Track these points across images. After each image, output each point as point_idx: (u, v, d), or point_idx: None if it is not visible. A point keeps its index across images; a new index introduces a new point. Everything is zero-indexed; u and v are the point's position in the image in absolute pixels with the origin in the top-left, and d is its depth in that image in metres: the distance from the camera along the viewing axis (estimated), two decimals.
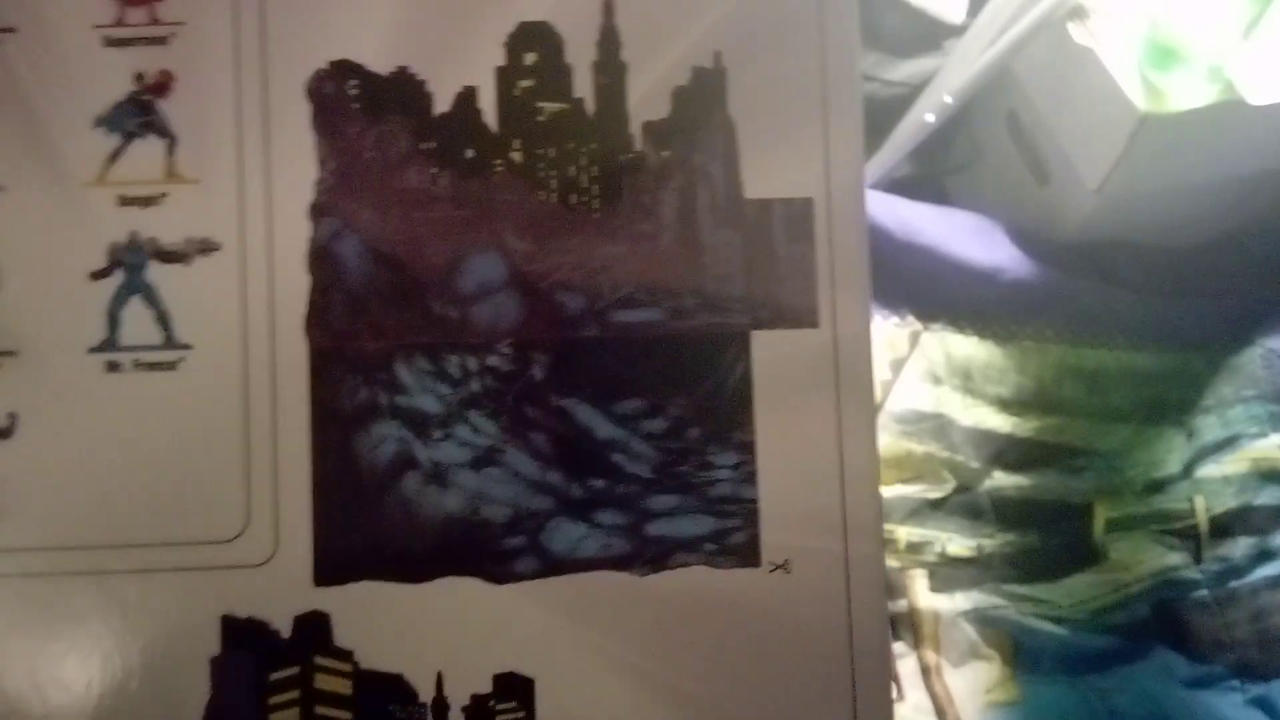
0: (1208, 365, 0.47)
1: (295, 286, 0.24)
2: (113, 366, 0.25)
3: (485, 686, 0.24)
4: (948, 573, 0.44)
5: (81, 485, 0.24)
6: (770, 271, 0.25)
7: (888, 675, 0.25)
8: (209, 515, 0.24)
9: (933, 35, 0.48)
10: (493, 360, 0.24)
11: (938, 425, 0.44)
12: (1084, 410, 0.46)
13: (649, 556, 0.25)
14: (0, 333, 0.24)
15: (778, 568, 0.25)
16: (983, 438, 0.44)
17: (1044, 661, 0.44)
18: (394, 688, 0.24)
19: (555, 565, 0.25)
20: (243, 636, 0.24)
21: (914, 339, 0.44)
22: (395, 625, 0.24)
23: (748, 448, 0.24)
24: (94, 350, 0.25)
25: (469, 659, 0.24)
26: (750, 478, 0.25)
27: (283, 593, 0.24)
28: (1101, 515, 0.45)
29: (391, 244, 0.24)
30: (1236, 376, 0.46)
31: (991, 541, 0.44)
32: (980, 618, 0.43)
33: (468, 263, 0.25)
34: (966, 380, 0.44)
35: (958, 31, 0.47)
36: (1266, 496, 0.45)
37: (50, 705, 0.24)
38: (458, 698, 0.24)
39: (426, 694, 0.24)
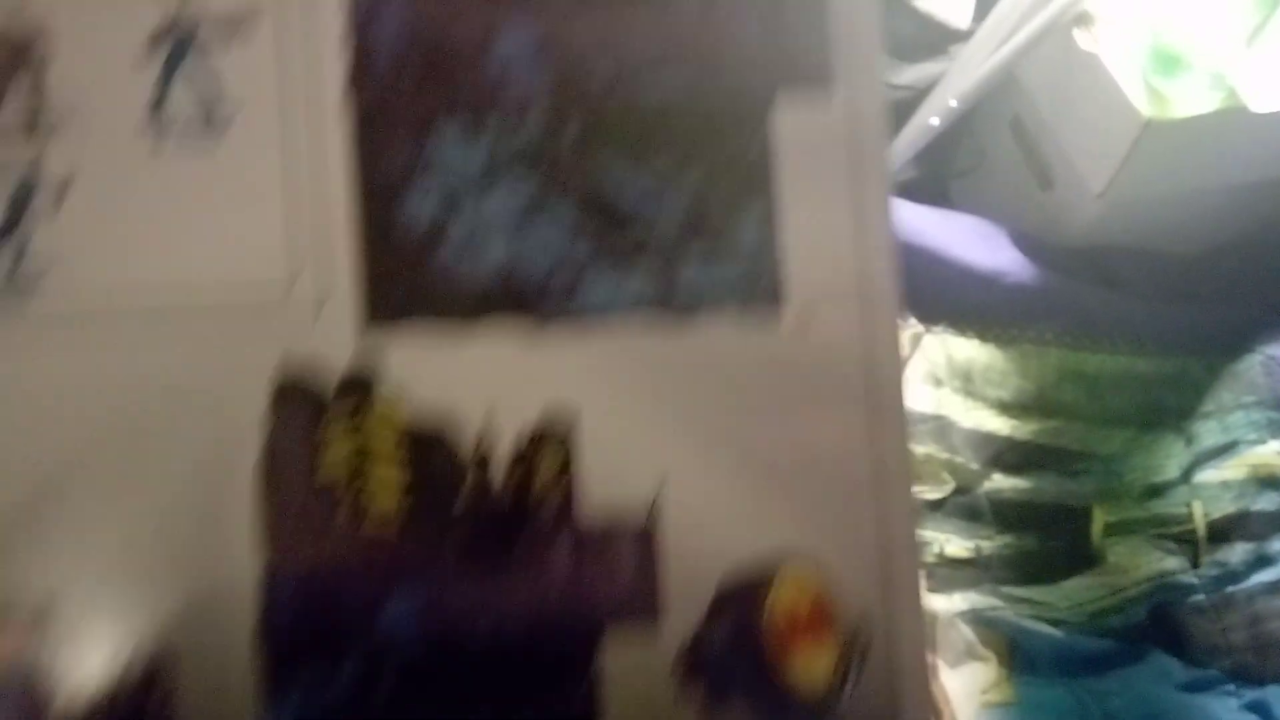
0: (1208, 371, 0.47)
1: (336, 50, 0.25)
2: (161, 132, 0.26)
3: (529, 425, 0.26)
4: (945, 573, 0.44)
5: (137, 238, 0.25)
6: (789, 28, 0.26)
7: (902, 411, 0.27)
8: (259, 264, 0.25)
9: (939, 40, 0.49)
10: (531, 119, 0.26)
11: (938, 427, 0.44)
12: (1084, 414, 0.46)
13: (680, 305, 0.26)
14: (54, 102, 0.25)
15: (798, 316, 0.26)
16: (982, 440, 0.44)
17: (1040, 663, 0.44)
18: (438, 437, 0.25)
19: (592, 314, 0.26)
20: (295, 379, 0.25)
21: (916, 341, 0.45)
22: (442, 367, 0.25)
23: (769, 203, 0.26)
24: (143, 119, 0.26)
25: (513, 400, 0.25)
26: (772, 232, 0.26)
27: (333, 338, 0.25)
28: (1100, 519, 0.45)
29: (429, 12, 0.25)
30: (1236, 383, 0.47)
31: (990, 543, 0.44)
32: (977, 619, 0.43)
33: (501, 32, 0.25)
34: (967, 382, 0.45)
35: (963, 37, 0.48)
36: (1264, 502, 0.45)
37: (110, 433, 0.25)
38: (503, 435, 0.26)
39: (473, 431, 0.25)
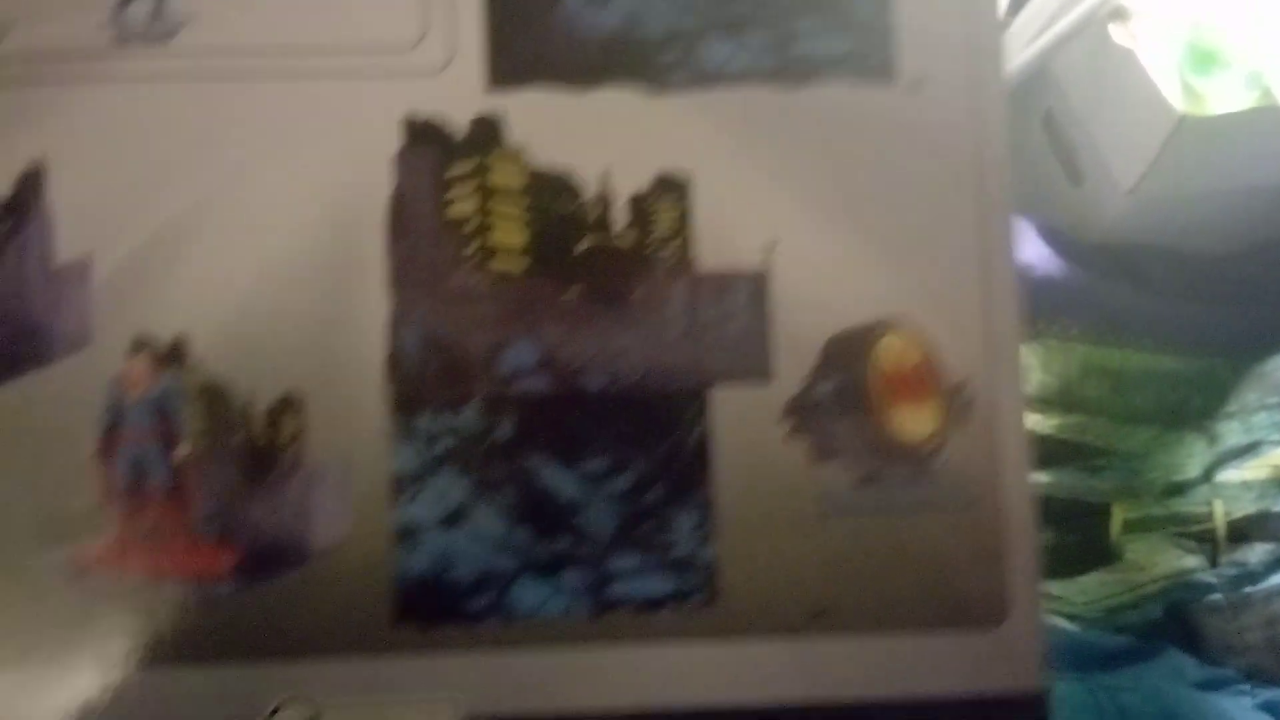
0: (1232, 371, 0.47)
1: None
2: None
3: (645, 185, 0.27)
4: None
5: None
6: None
7: (1007, 188, 0.28)
8: (386, 26, 0.27)
9: None
10: None
11: None
12: (1107, 410, 0.46)
13: (795, 72, 0.27)
14: None
15: (911, 87, 0.27)
16: None
17: (1055, 657, 0.44)
18: (561, 182, 0.27)
19: (708, 77, 0.27)
20: (423, 135, 0.26)
21: None
22: (562, 127, 0.26)
23: None
24: None
25: (631, 159, 0.27)
26: (886, 7, 0.28)
27: (459, 96, 0.26)
28: (1119, 515, 0.46)
29: None
30: (1261, 383, 0.47)
31: None
32: None
33: None
34: None
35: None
36: None
37: (242, 178, 0.26)
38: (620, 193, 0.27)
39: (592, 188, 0.27)
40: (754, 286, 0.27)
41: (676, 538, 0.26)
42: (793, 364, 0.27)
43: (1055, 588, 0.46)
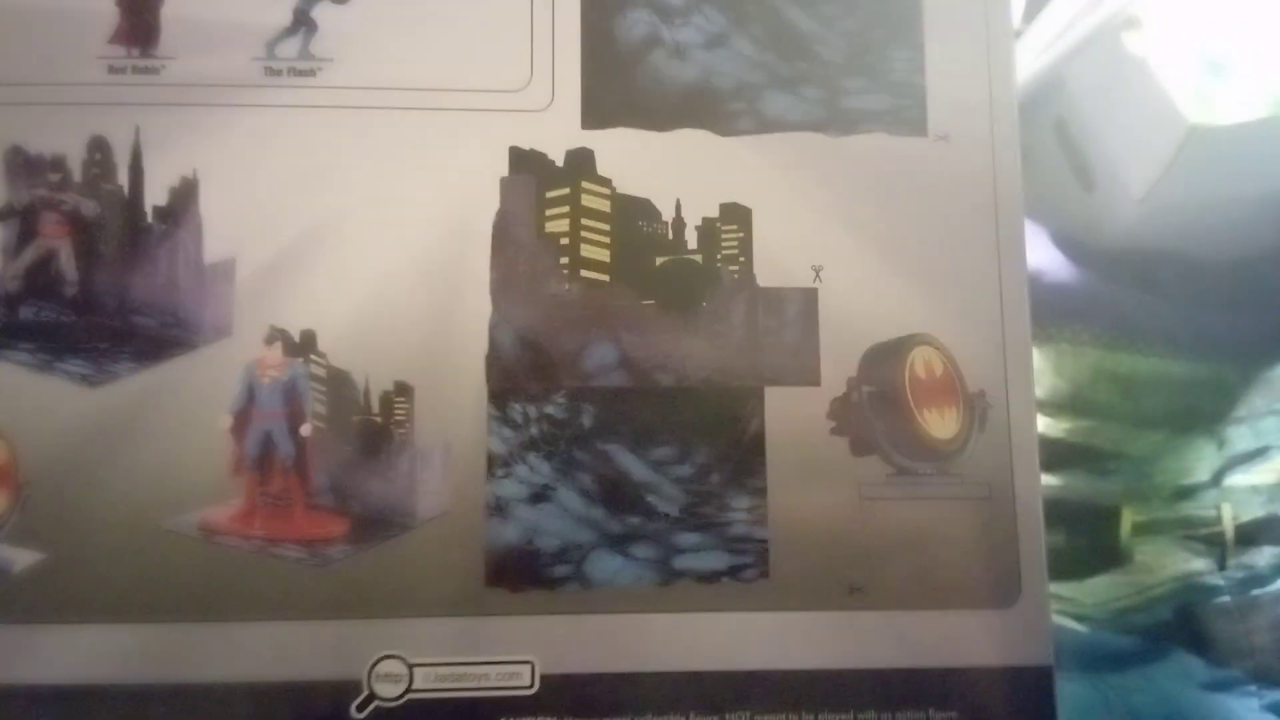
0: (1242, 377, 0.48)
1: None
2: None
3: (713, 212, 0.32)
4: None
5: (401, 45, 0.31)
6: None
7: (1021, 225, 0.33)
8: (500, 71, 0.32)
9: None
10: None
11: None
12: (1117, 414, 0.47)
13: (841, 123, 0.33)
14: None
15: (940, 138, 0.33)
16: None
17: (1064, 658, 0.44)
18: (643, 208, 0.32)
19: (769, 124, 0.33)
20: (526, 163, 0.31)
21: None
22: (644, 161, 0.32)
23: (919, 48, 0.33)
24: None
25: (701, 190, 0.32)
26: (920, 69, 0.33)
27: (557, 132, 0.32)
28: (1128, 518, 0.46)
29: None
30: (1270, 389, 0.48)
31: None
32: None
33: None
34: None
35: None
36: None
37: (368, 199, 0.31)
38: (692, 218, 0.32)
39: (668, 214, 0.32)
40: (805, 301, 0.31)
41: (734, 518, 0.30)
42: (837, 369, 0.31)
43: (1065, 589, 0.47)
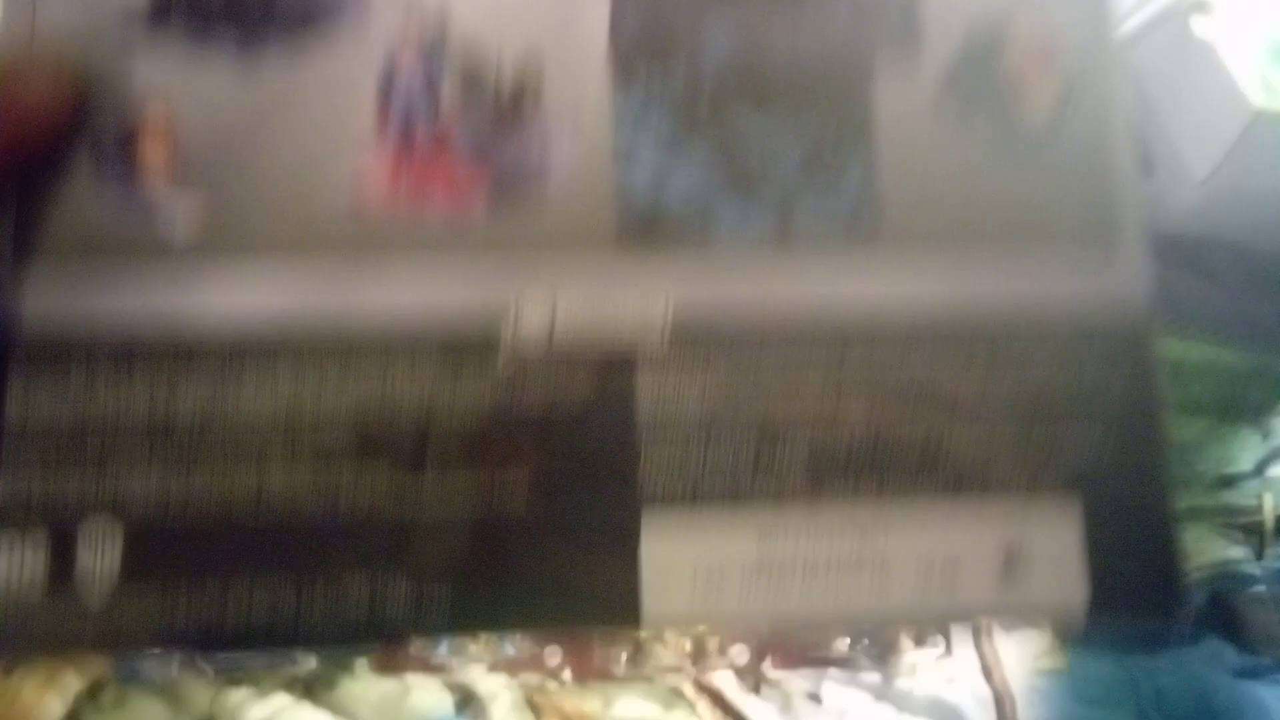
0: None
1: None
2: None
3: None
4: None
5: None
6: None
7: None
8: None
9: None
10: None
11: None
12: None
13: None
14: None
15: None
16: None
17: (1095, 637, 0.45)
18: None
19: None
20: None
21: None
22: None
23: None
24: None
25: None
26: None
27: None
28: None
29: None
30: None
31: None
32: None
33: None
34: None
35: None
36: None
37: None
38: None
39: None
40: None
41: (849, 178, 0.31)
42: (941, 40, 0.31)
43: None
